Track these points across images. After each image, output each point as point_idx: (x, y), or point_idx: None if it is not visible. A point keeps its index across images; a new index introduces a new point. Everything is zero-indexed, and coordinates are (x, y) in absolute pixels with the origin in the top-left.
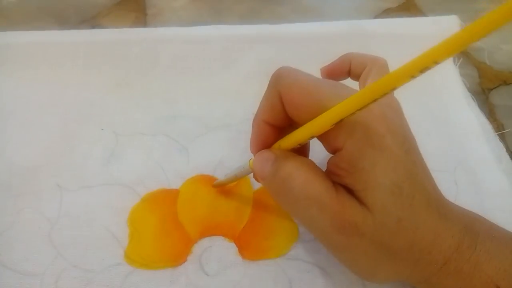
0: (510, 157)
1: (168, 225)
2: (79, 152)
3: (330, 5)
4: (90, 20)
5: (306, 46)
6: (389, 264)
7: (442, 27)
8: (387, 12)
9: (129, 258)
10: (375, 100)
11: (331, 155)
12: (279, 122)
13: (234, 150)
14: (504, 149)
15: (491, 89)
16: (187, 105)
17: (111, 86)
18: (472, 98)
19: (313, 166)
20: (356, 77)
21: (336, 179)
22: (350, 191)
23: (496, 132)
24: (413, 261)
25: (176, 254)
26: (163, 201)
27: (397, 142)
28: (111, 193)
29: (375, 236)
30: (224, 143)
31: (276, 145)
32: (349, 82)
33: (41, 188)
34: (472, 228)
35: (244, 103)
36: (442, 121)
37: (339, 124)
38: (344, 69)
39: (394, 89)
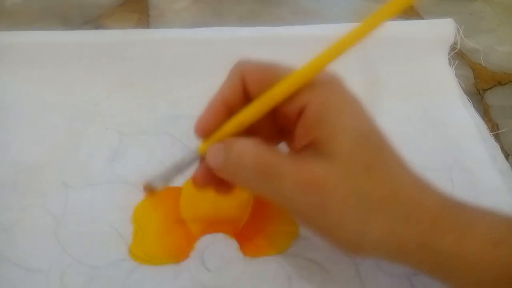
0: (505, 156)
1: (171, 222)
2: (84, 151)
3: (328, 8)
4: (94, 21)
5: (304, 48)
6: (378, 219)
7: (437, 30)
8: None
9: (133, 254)
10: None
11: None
12: (235, 103)
13: None
14: (499, 149)
15: (486, 90)
16: (190, 105)
17: (115, 86)
18: (468, 99)
19: (262, 142)
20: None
21: (304, 139)
22: (317, 147)
23: (491, 132)
24: (404, 215)
25: (179, 251)
26: (166, 199)
27: (359, 101)
28: (115, 191)
29: (346, 186)
30: None
31: (223, 131)
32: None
33: (47, 185)
34: (452, 196)
35: None
36: (438, 121)
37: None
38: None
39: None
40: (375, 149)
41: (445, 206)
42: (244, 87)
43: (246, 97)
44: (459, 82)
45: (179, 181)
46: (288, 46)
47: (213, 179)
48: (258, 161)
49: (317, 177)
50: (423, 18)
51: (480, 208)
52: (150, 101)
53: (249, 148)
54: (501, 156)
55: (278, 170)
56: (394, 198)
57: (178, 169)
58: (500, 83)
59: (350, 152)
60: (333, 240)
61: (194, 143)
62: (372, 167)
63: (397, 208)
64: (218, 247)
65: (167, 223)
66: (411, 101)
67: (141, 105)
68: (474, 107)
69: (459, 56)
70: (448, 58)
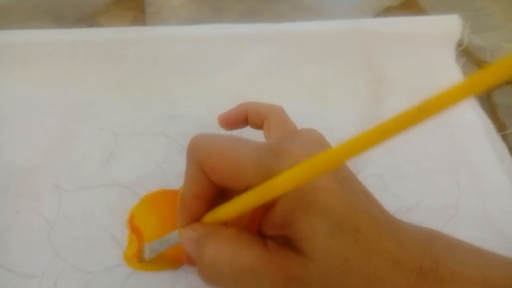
0: None
1: (168, 226)
2: (78, 153)
3: (331, 4)
4: (88, 18)
5: (306, 45)
6: None
7: (443, 26)
8: (388, 11)
9: (129, 259)
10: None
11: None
12: (207, 195)
13: None
14: (507, 149)
15: (493, 89)
16: (187, 105)
17: (110, 86)
18: (474, 98)
19: (238, 236)
20: (255, 127)
21: (272, 232)
22: (289, 242)
23: (499, 132)
24: None
25: (176, 256)
26: (163, 202)
27: (329, 177)
28: (110, 194)
29: (323, 280)
30: None
31: (204, 218)
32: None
33: (40, 188)
34: (431, 247)
35: None
36: (445, 122)
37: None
38: (241, 119)
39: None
40: (351, 235)
41: (420, 271)
42: (208, 176)
43: (215, 185)
44: None
45: (176, 184)
46: (289, 43)
47: None
48: (234, 266)
49: (293, 275)
50: (428, 15)
51: (459, 255)
52: (146, 101)
53: (224, 253)
54: (508, 157)
55: (254, 270)
56: (367, 282)
57: (164, 245)
58: (507, 82)
59: (324, 248)
60: None
61: None
62: (348, 258)
63: None
64: None
65: (164, 227)
66: (416, 100)
67: (137, 105)
68: (481, 106)
69: (466, 54)
70: (455, 55)
